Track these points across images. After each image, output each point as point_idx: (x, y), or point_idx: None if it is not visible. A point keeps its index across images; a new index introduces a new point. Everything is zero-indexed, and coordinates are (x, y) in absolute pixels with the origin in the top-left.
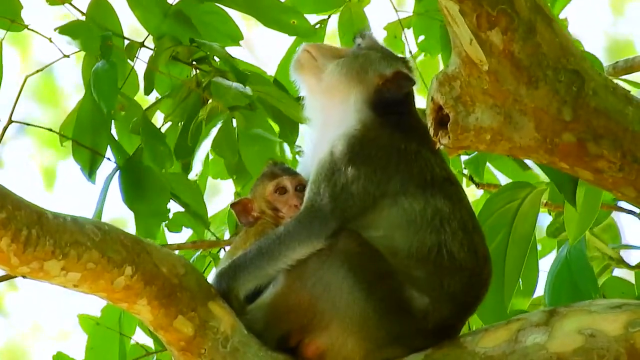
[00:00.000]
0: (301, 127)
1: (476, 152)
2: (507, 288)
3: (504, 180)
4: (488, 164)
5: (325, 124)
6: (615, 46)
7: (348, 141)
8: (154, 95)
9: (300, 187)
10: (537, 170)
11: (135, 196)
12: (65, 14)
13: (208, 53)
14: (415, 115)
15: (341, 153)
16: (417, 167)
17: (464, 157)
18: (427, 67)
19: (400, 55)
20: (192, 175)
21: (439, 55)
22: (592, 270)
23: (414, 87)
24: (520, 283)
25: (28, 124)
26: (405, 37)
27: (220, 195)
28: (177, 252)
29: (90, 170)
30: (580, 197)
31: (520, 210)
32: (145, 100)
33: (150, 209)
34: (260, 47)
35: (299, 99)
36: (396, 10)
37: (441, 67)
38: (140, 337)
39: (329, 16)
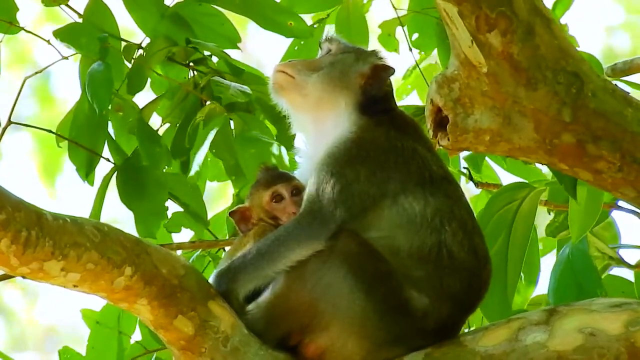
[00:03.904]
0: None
1: None
2: (509, 288)
3: (503, 175)
4: (488, 159)
5: (319, 134)
6: (610, 51)
7: (345, 143)
8: (153, 96)
9: (296, 191)
10: (538, 164)
11: (133, 195)
12: (63, 17)
13: (205, 54)
14: (400, 110)
15: (339, 155)
16: (415, 165)
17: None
18: (427, 68)
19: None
20: (192, 174)
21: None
22: (595, 269)
23: (392, 77)
24: (523, 278)
25: (27, 125)
26: (405, 34)
27: (219, 197)
28: (179, 252)
29: (86, 171)
30: (583, 196)
31: (519, 211)
32: (145, 101)
33: (148, 207)
34: (257, 49)
35: None
36: (395, 8)
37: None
38: (139, 336)
39: (328, 15)
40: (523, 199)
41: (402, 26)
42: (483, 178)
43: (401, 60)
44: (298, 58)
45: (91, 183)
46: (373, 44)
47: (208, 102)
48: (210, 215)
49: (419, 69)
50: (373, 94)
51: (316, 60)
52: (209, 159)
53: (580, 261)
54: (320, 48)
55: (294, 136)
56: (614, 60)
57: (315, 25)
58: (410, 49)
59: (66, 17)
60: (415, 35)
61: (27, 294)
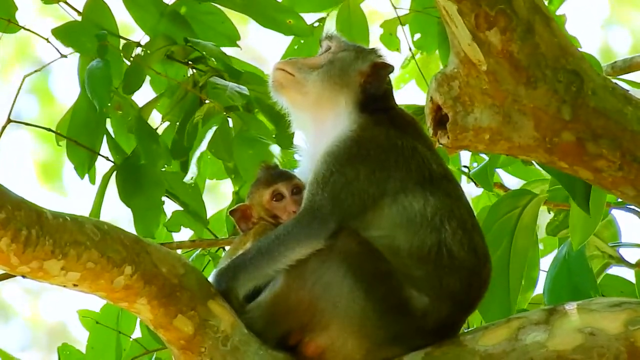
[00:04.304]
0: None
1: (483, 164)
2: (512, 297)
3: (505, 177)
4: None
5: (318, 132)
6: (607, 48)
7: (345, 142)
8: (153, 95)
9: (297, 189)
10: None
11: (132, 192)
12: (62, 15)
13: (203, 53)
14: (400, 109)
15: (339, 154)
16: (415, 164)
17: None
18: (426, 65)
19: (369, 47)
20: (187, 178)
21: (437, 53)
22: (591, 271)
23: (391, 75)
24: (523, 280)
25: (27, 124)
26: (405, 34)
27: (217, 195)
28: (179, 251)
29: (84, 169)
30: None
31: (521, 218)
32: (146, 99)
33: (145, 204)
34: (260, 43)
35: None
36: (395, 8)
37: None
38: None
39: (328, 14)
40: (524, 207)
41: (402, 25)
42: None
43: (402, 59)
44: (298, 56)
45: (92, 181)
46: (373, 43)
47: (207, 101)
48: (209, 214)
49: (415, 60)
50: (373, 92)
51: (316, 58)
52: (208, 157)
53: (577, 262)
54: (320, 45)
55: (292, 135)
56: (612, 57)
57: (316, 24)
58: (410, 49)
59: (66, 14)
60: (418, 36)
61: (30, 292)
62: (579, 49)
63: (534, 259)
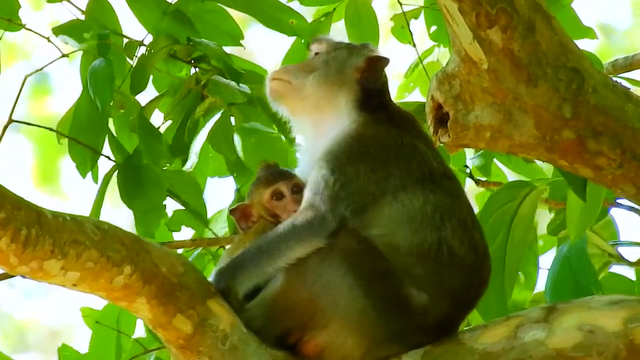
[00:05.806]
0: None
1: (480, 154)
2: (507, 287)
3: (509, 174)
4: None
5: (319, 133)
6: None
7: (345, 140)
8: (155, 94)
9: (297, 189)
10: (540, 162)
11: (133, 193)
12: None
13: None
14: (397, 106)
15: (339, 152)
16: (415, 162)
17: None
18: (429, 66)
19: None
20: (187, 166)
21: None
22: (593, 267)
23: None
24: (522, 278)
25: (28, 124)
26: (410, 29)
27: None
28: (180, 250)
29: (86, 168)
30: None
31: (519, 210)
32: (147, 97)
33: (147, 205)
34: (258, 52)
35: None
36: (400, 4)
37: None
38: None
39: (334, 9)
40: (523, 198)
41: (408, 21)
42: (491, 177)
43: (402, 55)
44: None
45: (95, 180)
46: (384, 37)
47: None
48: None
49: (422, 65)
50: (370, 87)
51: (308, 62)
52: (210, 155)
53: (578, 259)
54: (309, 50)
55: (293, 134)
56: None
57: (321, 19)
58: (414, 45)
59: (68, 14)
60: (434, 28)
61: (29, 293)
62: (596, 39)
63: (532, 253)
